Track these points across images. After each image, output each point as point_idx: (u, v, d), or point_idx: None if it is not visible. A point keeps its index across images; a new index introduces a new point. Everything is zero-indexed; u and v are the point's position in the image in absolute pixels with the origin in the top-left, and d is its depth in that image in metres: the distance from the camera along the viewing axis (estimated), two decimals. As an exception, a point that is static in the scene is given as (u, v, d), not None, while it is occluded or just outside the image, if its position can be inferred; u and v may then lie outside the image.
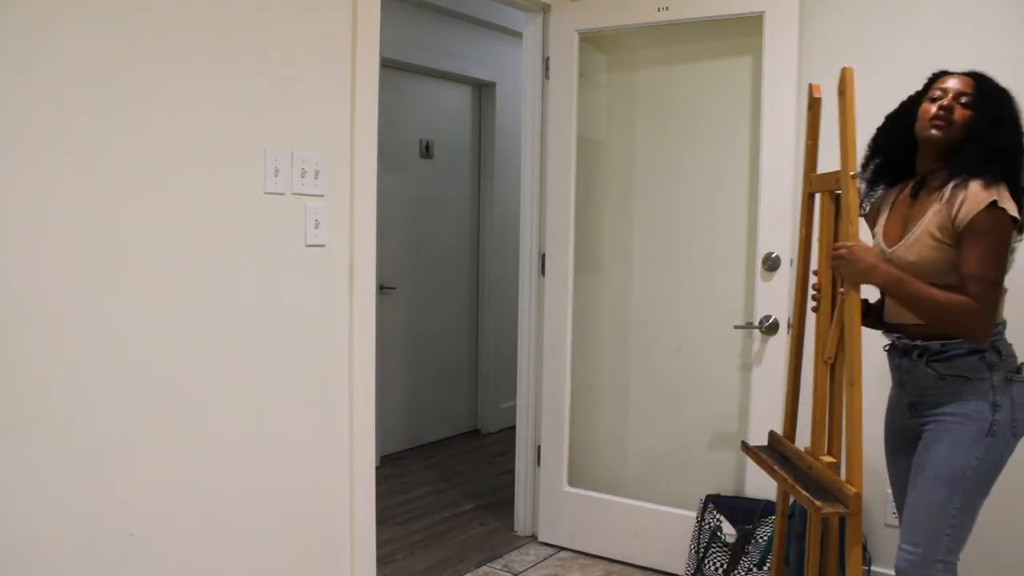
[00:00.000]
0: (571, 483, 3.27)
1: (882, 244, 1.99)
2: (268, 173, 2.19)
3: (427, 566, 3.13)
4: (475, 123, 5.01)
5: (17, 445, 1.74)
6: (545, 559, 3.19)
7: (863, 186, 2.09)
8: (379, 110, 2.50)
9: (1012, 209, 1.76)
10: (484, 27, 4.79)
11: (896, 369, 2.03)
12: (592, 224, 3.28)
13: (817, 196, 2.13)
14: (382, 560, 3.03)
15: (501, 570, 3.09)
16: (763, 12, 2.79)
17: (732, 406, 3.00)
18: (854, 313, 1.87)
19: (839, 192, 1.96)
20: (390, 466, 4.39)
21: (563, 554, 3.24)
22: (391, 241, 4.37)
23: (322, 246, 2.36)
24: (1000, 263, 1.78)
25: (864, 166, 2.08)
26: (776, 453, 2.18)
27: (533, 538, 3.38)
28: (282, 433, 2.29)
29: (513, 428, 3.56)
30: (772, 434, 2.26)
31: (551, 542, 3.31)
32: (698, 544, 2.85)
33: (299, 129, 2.28)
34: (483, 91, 4.99)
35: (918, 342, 1.90)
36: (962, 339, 1.83)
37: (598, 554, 3.19)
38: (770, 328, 2.82)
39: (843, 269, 1.88)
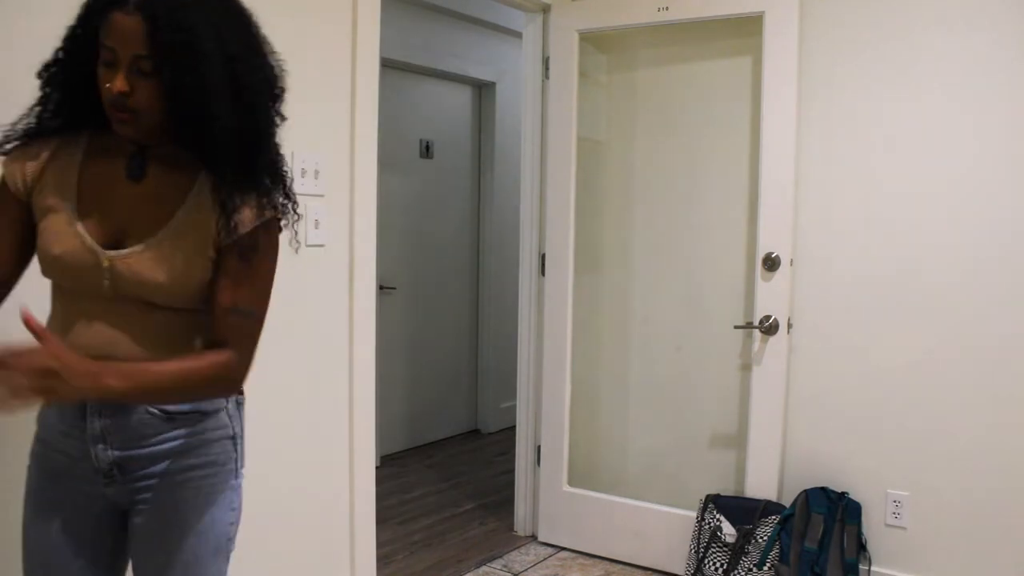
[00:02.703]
0: (571, 483, 3.27)
1: (84, 236, 1.25)
2: (268, 173, 2.19)
3: (427, 566, 3.13)
4: (475, 123, 5.01)
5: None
6: (545, 559, 3.19)
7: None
8: (379, 110, 2.50)
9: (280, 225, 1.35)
10: (484, 27, 4.79)
11: (77, 429, 1.29)
12: (592, 224, 3.28)
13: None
14: (382, 560, 3.03)
15: (501, 570, 3.09)
16: (763, 12, 2.78)
17: (732, 406, 3.00)
18: None
19: None
20: (390, 466, 4.39)
21: (563, 554, 3.24)
22: (391, 241, 4.37)
23: (322, 246, 2.36)
24: (270, 293, 1.36)
25: (42, 103, 1.27)
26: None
27: (533, 538, 3.38)
28: (282, 433, 2.29)
29: (513, 428, 3.56)
30: None
31: (551, 542, 3.31)
32: (698, 544, 2.85)
33: (299, 129, 2.27)
34: (483, 91, 4.99)
35: None
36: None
37: (598, 554, 3.19)
38: (770, 328, 2.82)
39: (60, 391, 1.08)
